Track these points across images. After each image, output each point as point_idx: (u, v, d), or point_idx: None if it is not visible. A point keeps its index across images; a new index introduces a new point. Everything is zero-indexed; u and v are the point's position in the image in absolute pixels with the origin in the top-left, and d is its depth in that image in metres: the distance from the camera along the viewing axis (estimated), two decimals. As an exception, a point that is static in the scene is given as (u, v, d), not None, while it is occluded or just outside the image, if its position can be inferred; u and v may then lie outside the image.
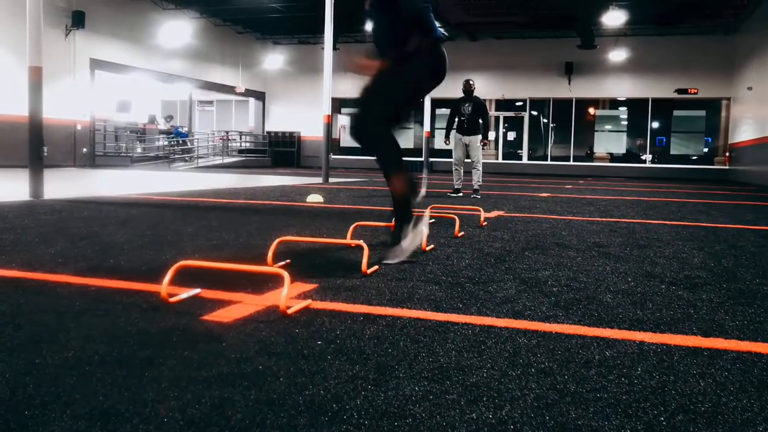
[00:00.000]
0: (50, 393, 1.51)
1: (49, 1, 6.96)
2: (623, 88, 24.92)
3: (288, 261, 3.34)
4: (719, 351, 1.99)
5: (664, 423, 1.43)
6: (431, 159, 22.19)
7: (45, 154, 7.19)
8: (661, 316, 2.41)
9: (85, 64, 18.20)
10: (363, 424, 1.37)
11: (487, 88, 24.51)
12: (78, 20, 17.44)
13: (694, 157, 25.62)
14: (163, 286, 2.39)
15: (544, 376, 1.72)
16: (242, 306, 2.38)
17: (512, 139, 26.84)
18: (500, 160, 26.36)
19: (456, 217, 4.95)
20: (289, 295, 2.49)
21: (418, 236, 3.53)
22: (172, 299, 2.40)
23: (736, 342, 2.09)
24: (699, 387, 1.66)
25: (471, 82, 9.77)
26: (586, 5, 19.76)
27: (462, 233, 4.74)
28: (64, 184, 9.95)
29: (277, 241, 3.31)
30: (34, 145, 6.90)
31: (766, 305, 2.64)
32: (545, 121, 26.42)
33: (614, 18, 20.52)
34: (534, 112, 26.33)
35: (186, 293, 2.50)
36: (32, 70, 6.77)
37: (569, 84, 25.09)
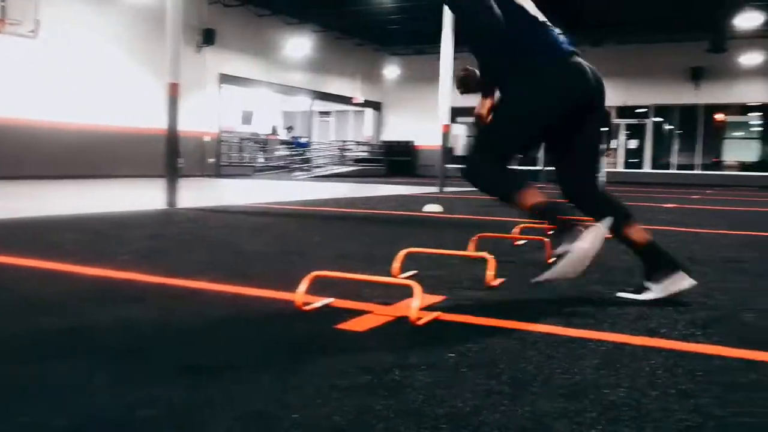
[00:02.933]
0: (208, 394, 1.62)
1: (183, 20, 7.45)
2: (756, 92, 23.52)
3: (415, 272, 3.39)
4: None
5: (820, 453, 1.37)
6: (549, 168, 21.78)
7: (181, 165, 7.62)
8: (809, 339, 2.28)
9: (214, 78, 19.14)
10: (503, 439, 1.39)
11: (609, 94, 23.72)
12: (208, 37, 18.38)
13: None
14: (299, 295, 2.50)
15: (685, 398, 1.67)
16: (373, 316, 2.45)
17: (635, 147, 25.92)
18: (622, 169, 25.50)
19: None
20: (419, 306, 2.54)
21: (576, 254, 2.71)
22: (306, 307, 2.50)
23: None
24: None
25: (593, 90, 9.54)
26: (716, 7, 18.84)
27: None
28: (195, 194, 10.50)
29: (403, 252, 3.37)
30: (171, 157, 7.33)
31: None
32: (670, 128, 25.35)
33: (749, 19, 19.43)
34: (658, 119, 25.32)
35: (319, 302, 2.60)
36: (171, 86, 7.21)
37: (696, 89, 23.96)
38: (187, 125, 16.95)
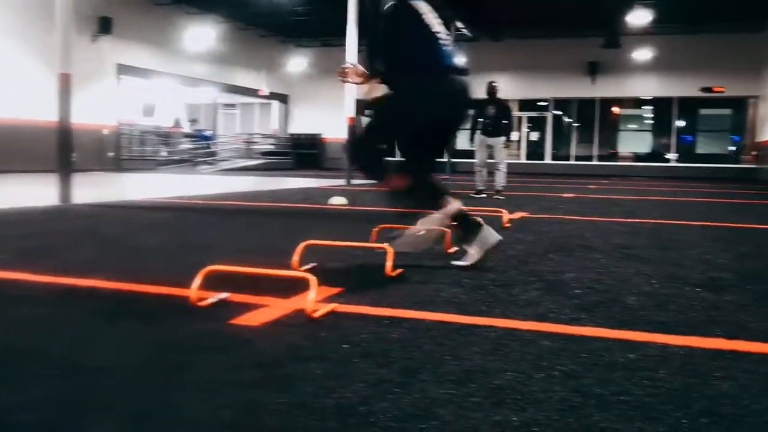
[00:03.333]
0: (90, 396, 1.56)
1: (76, 9, 7.11)
2: (648, 87, 24.70)
3: (314, 264, 3.38)
4: (742, 353, 2.00)
5: (686, 426, 1.45)
6: (454, 160, 22.16)
7: (74, 159, 7.31)
8: (684, 318, 2.42)
9: (111, 69, 18.44)
10: (390, 427, 1.41)
11: (510, 88, 24.43)
12: (105, 26, 17.68)
13: (721, 156, 25.33)
14: (193, 290, 2.45)
15: (568, 379, 1.74)
16: (269, 310, 2.43)
17: (535, 139, 26.73)
18: (524, 160, 26.25)
19: (479, 219, 4.96)
20: (315, 299, 2.53)
21: (423, 235, 3.46)
22: (201, 303, 2.46)
23: (760, 344, 2.10)
24: (722, 389, 1.68)
25: (494, 85, 9.77)
26: (610, 4, 19.63)
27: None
28: (92, 189, 10.10)
29: (302, 245, 3.35)
30: (63, 150, 7.02)
31: (791, 307, 2.64)
32: (569, 120, 26.27)
33: (640, 17, 20.37)
34: (557, 112, 26.20)
35: (214, 297, 2.55)
36: (62, 76, 6.90)
37: (593, 83, 24.93)
38: (82, 117, 16.28)
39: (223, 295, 2.60)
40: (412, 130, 3.51)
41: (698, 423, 1.46)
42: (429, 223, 3.48)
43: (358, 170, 3.77)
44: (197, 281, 2.47)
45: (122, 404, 1.51)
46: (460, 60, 3.36)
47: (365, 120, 3.67)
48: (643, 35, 23.15)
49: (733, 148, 25.38)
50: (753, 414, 1.52)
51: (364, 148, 3.71)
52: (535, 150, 26.66)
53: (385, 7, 3.50)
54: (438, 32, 3.49)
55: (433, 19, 3.52)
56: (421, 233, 3.47)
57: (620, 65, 24.39)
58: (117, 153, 18.99)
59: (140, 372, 1.74)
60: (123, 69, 18.89)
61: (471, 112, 3.69)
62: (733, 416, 1.51)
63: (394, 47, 3.45)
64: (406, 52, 3.46)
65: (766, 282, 3.18)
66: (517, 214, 6.65)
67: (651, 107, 25.97)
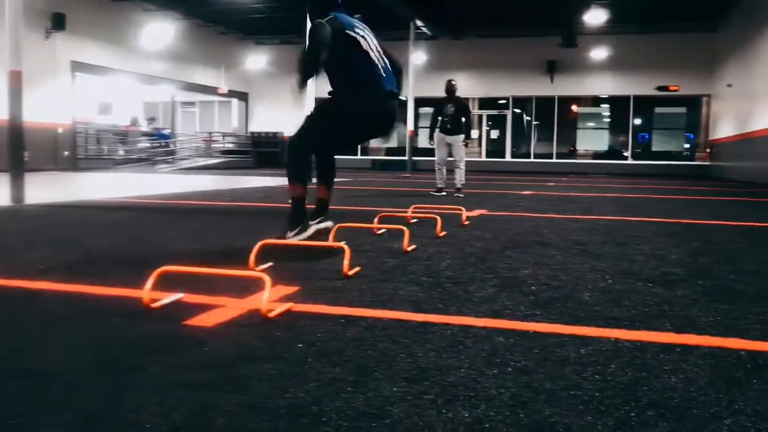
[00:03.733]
0: (35, 401, 1.53)
1: (28, 4, 6.96)
2: (605, 85, 25.09)
3: (271, 264, 3.36)
4: (691, 347, 2.04)
5: (634, 418, 1.47)
6: (414, 158, 22.22)
7: (26, 158, 7.15)
8: (636, 313, 2.46)
9: (65, 66, 18.08)
10: (342, 426, 1.41)
11: (470, 86, 24.60)
12: (58, 22, 17.31)
13: (676, 154, 25.85)
14: (146, 292, 2.41)
15: (521, 374, 1.76)
16: (224, 310, 2.41)
17: (496, 137, 26.95)
18: (484, 158, 26.46)
19: (438, 217, 4.99)
20: (271, 298, 2.52)
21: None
22: (154, 305, 2.42)
23: (708, 338, 2.14)
24: (670, 382, 1.71)
25: (453, 83, 9.81)
26: (567, 4, 19.90)
27: (444, 233, 4.78)
28: (46, 189, 9.90)
29: (259, 244, 3.33)
30: (15, 150, 6.86)
31: (738, 301, 2.71)
32: (528, 119, 26.55)
33: (595, 17, 20.69)
34: (517, 110, 26.46)
35: (168, 298, 2.52)
36: (12, 74, 6.74)
37: (552, 82, 25.23)
38: (36, 116, 15.98)
39: (178, 295, 2.57)
40: (342, 132, 4.26)
41: (645, 416, 1.49)
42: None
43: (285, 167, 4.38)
44: (150, 282, 2.43)
45: (70, 408, 1.48)
46: (390, 84, 3.94)
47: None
48: (600, 35, 23.51)
49: (688, 146, 25.92)
50: (699, 406, 1.55)
51: (298, 148, 4.26)
52: (495, 148, 26.88)
53: (312, 25, 4.15)
54: (375, 62, 4.14)
55: (372, 43, 4.20)
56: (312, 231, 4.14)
57: (578, 64, 24.73)
58: (72, 152, 18.63)
59: (89, 374, 1.71)
60: (78, 66, 18.54)
61: (395, 128, 4.39)
62: (679, 409, 1.54)
63: (334, 67, 4.11)
64: (345, 73, 4.15)
65: (716, 277, 3.26)
66: (476, 212, 6.70)
67: (608, 105, 26.37)
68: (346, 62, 4.11)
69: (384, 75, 4.17)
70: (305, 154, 4.29)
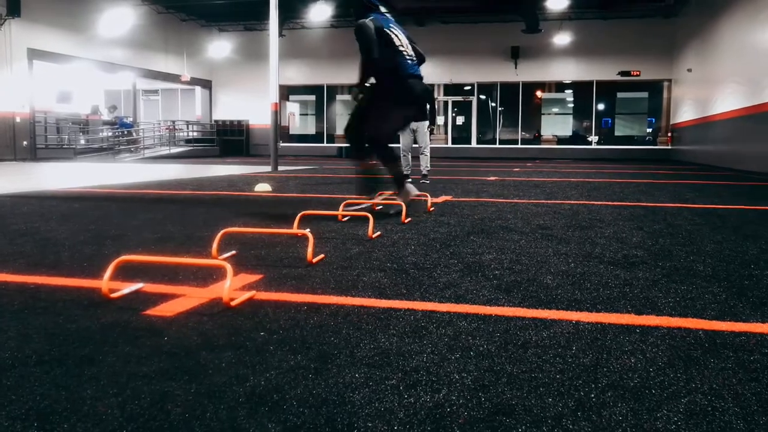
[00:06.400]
0: (-15, 394, 1.49)
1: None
2: (568, 71, 25.30)
3: (234, 252, 3.33)
4: (651, 328, 2.07)
5: (594, 399, 1.48)
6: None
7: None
8: (597, 296, 2.48)
9: (22, 54, 17.67)
10: (302, 413, 1.39)
11: (435, 72, 24.63)
12: (13, 9, 16.89)
13: (639, 138, 26.22)
14: (104, 282, 2.37)
15: (483, 358, 1.76)
16: (185, 299, 2.38)
17: (461, 123, 27.03)
18: (450, 145, 26.54)
19: (403, 203, 4.99)
20: (234, 287, 2.49)
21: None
22: (113, 295, 2.38)
23: (667, 318, 2.17)
24: (630, 363, 1.73)
25: (417, 69, 9.77)
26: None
27: (409, 219, 4.78)
28: (3, 179, 9.68)
29: (221, 232, 3.29)
30: (-30, 140, 6.69)
31: (697, 282, 2.75)
32: (493, 105, 26.67)
33: (557, 2, 20.81)
34: (482, 97, 26.55)
35: (128, 288, 2.48)
36: (-35, 61, 6.56)
37: (516, 68, 25.36)
38: (-8, 105, 15.62)
39: (138, 285, 2.53)
40: (384, 118, 5.16)
41: (604, 396, 1.50)
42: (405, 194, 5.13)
43: (352, 154, 5.42)
44: (109, 272, 2.39)
45: (22, 401, 1.44)
46: (415, 69, 5.17)
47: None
48: (562, 20, 23.67)
49: (650, 130, 26.30)
50: (657, 386, 1.57)
51: (355, 136, 5.23)
52: (460, 134, 26.97)
53: (357, 25, 5.06)
54: (404, 51, 5.15)
55: (402, 39, 5.20)
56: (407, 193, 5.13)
57: (541, 50, 24.89)
58: (31, 142, 18.25)
59: (43, 367, 1.67)
60: (34, 54, 18.16)
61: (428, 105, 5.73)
62: (637, 389, 1.55)
63: (379, 66, 5.09)
64: (383, 63, 5.05)
65: (675, 259, 3.30)
66: (441, 198, 6.72)
67: (572, 91, 26.60)
68: (384, 55, 5.01)
69: (410, 63, 5.18)
70: (387, 143, 5.28)
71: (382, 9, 5.40)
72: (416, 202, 5.46)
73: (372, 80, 5.21)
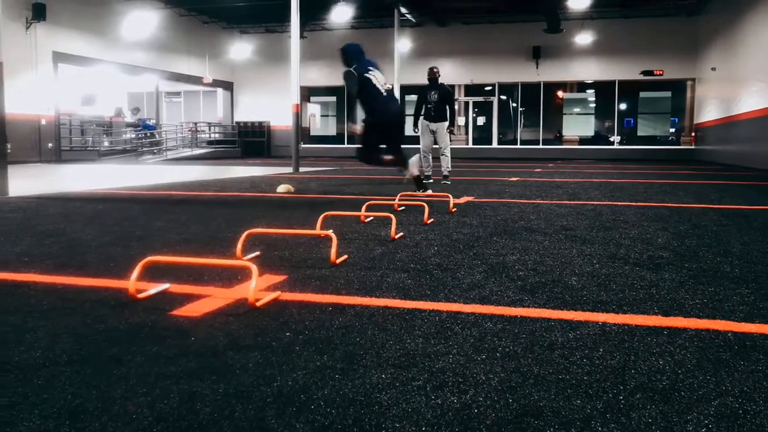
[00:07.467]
0: (18, 393, 1.51)
1: (7, -5, 6.87)
2: (590, 70, 25.11)
3: (258, 253, 3.35)
4: (678, 329, 2.05)
5: (623, 401, 1.47)
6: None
7: (9, 150, 7.06)
8: (623, 297, 2.47)
9: (47, 57, 17.89)
10: (330, 414, 1.40)
11: (455, 73, 24.59)
12: (39, 13, 17.11)
13: (662, 138, 25.97)
14: (131, 283, 2.39)
15: (509, 360, 1.76)
16: (211, 300, 2.39)
17: (482, 123, 26.94)
18: (470, 145, 26.46)
19: (425, 204, 4.98)
20: (259, 287, 2.50)
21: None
22: (140, 295, 2.40)
23: (695, 320, 2.15)
24: (658, 365, 1.72)
25: (435, 70, 9.76)
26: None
27: (431, 220, 4.78)
28: (30, 181, 9.81)
29: (245, 233, 3.31)
30: (-3, 142, 6.79)
31: (724, 283, 2.72)
32: (514, 105, 26.54)
33: (579, 1, 20.67)
34: (503, 97, 26.44)
35: (154, 289, 2.50)
36: (-7, 65, 6.65)
37: (537, 68, 25.22)
38: (18, 107, 15.84)
39: (164, 286, 2.55)
40: (379, 135, 7.03)
41: (633, 399, 1.49)
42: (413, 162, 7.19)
43: (370, 164, 7.39)
44: (136, 273, 2.41)
45: (53, 400, 1.46)
46: (393, 95, 7.79)
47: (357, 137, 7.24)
48: (584, 19, 23.51)
49: (673, 130, 26.03)
50: (686, 389, 1.56)
51: (367, 152, 7.10)
52: (481, 135, 26.88)
53: (344, 72, 6.84)
54: (380, 89, 6.85)
55: (379, 78, 6.90)
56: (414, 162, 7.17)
57: (563, 49, 24.73)
58: (56, 144, 18.48)
59: (73, 366, 1.69)
60: (59, 57, 18.37)
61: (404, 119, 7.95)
62: (666, 391, 1.54)
63: (361, 100, 6.90)
64: (367, 102, 6.88)
65: (701, 260, 3.27)
66: (463, 199, 6.70)
67: (593, 91, 26.41)
68: (364, 93, 6.77)
69: (386, 95, 6.93)
70: (372, 154, 7.12)
71: (365, 56, 7.01)
72: (423, 186, 7.45)
73: (361, 113, 6.99)
